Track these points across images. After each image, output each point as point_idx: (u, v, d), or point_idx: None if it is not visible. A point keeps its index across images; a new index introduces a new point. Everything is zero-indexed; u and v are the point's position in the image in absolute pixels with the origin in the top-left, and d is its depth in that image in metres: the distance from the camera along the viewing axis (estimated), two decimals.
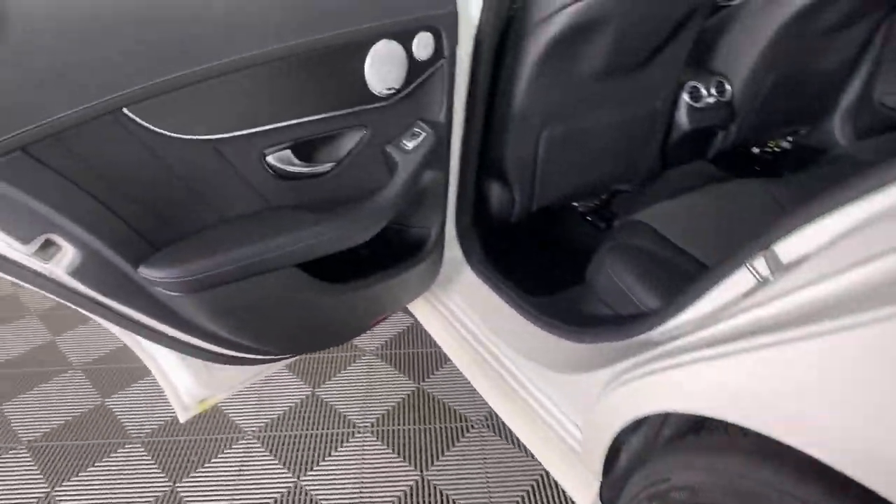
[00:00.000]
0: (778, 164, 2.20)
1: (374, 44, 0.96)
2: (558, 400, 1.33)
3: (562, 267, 1.72)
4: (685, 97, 1.70)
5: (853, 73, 2.03)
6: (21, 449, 1.66)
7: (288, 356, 1.28)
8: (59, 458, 1.63)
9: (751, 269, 0.77)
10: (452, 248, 1.48)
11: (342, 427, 1.68)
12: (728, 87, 1.76)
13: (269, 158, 0.95)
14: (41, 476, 1.58)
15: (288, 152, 0.98)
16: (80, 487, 1.54)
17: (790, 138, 2.22)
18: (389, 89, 1.02)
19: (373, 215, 1.06)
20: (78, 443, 1.67)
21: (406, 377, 1.84)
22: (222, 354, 1.08)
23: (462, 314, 1.53)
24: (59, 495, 1.52)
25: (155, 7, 0.72)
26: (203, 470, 1.56)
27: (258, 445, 1.63)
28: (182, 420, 1.23)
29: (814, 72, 1.87)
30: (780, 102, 1.87)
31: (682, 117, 1.71)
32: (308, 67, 0.89)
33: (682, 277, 1.17)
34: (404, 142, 1.12)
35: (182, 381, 1.15)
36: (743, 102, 1.80)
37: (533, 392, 1.39)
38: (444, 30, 1.06)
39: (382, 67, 0.99)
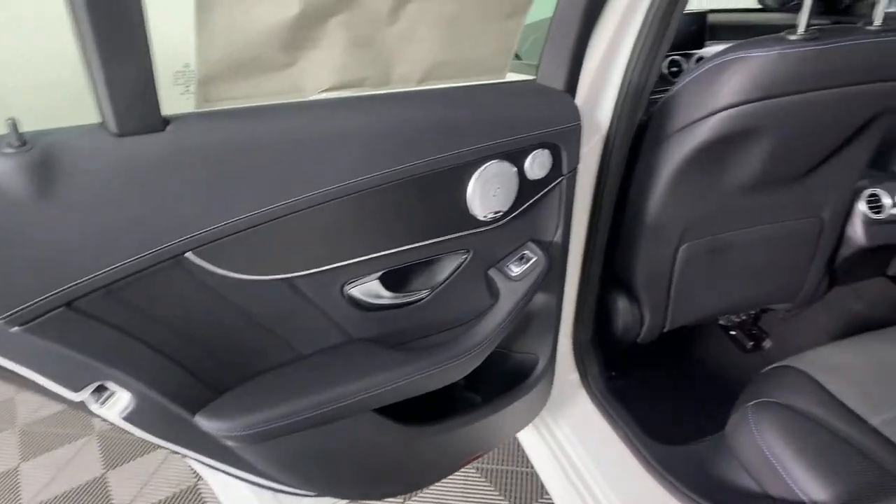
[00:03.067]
0: None
1: (481, 165, 0.85)
2: None
3: (696, 395, 1.47)
4: (862, 207, 1.42)
5: None
6: None
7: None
8: None
9: None
10: (567, 371, 1.30)
11: None
12: None
13: (353, 291, 0.86)
14: None
15: (375, 283, 0.87)
16: None
17: None
18: (496, 213, 0.89)
19: (470, 351, 0.92)
20: None
21: (507, 501, 1.64)
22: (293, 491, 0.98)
23: (570, 447, 1.33)
24: None
25: (229, 145, 0.65)
26: None
27: None
28: None
29: None
30: None
31: (857, 231, 1.42)
32: (401, 194, 0.79)
33: (861, 460, 0.91)
34: (510, 266, 0.98)
35: None
36: None
37: None
38: (565, 146, 0.93)
39: (488, 190, 0.87)
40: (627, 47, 1.00)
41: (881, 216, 1.42)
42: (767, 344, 1.63)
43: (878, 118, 1.13)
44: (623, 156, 1.10)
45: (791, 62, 0.97)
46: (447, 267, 0.95)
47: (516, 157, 0.88)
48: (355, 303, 0.86)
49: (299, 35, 0.74)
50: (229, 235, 0.67)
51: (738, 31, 2.02)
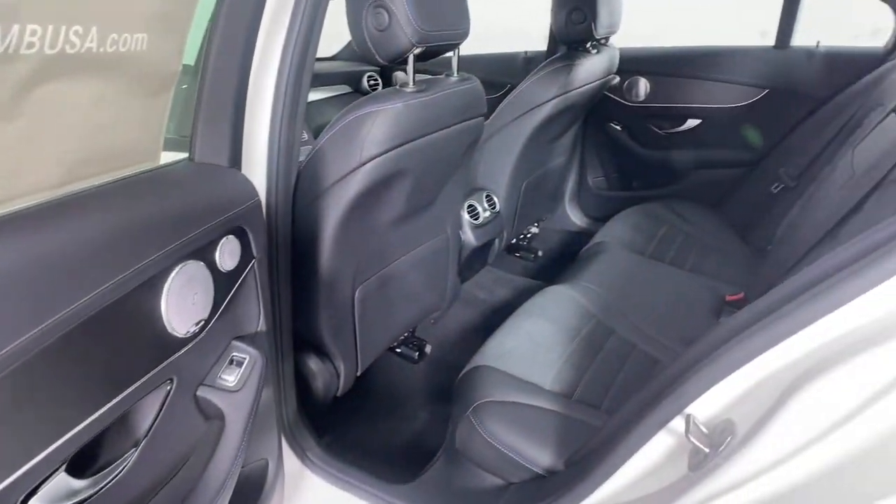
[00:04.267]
0: (532, 247, 2.40)
1: (169, 273, 0.70)
2: None
3: (401, 418, 1.55)
4: (466, 217, 1.72)
5: (570, 167, 2.38)
6: None
7: None
8: None
9: (693, 442, 0.71)
10: (286, 458, 1.20)
11: None
12: (495, 198, 1.84)
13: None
14: None
15: (62, 476, 0.63)
16: None
17: (537, 224, 2.45)
18: (198, 323, 0.76)
19: (217, 497, 0.76)
20: None
21: None
22: None
23: None
24: None
25: None
26: None
27: None
28: None
29: (548, 172, 2.11)
30: (531, 202, 2.05)
31: (469, 236, 1.73)
32: (74, 347, 0.59)
33: (560, 421, 1.11)
34: (223, 377, 0.84)
35: None
36: (508, 210, 1.91)
37: None
38: (250, 226, 0.85)
39: (186, 300, 0.73)
40: (267, 106, 0.96)
41: (479, 221, 1.76)
42: (429, 349, 1.82)
43: (470, 147, 1.38)
44: (288, 219, 1.07)
45: (414, 111, 1.10)
46: (150, 408, 0.75)
47: (204, 252, 0.76)
48: None
49: None
50: None
51: (316, 79, 2.20)
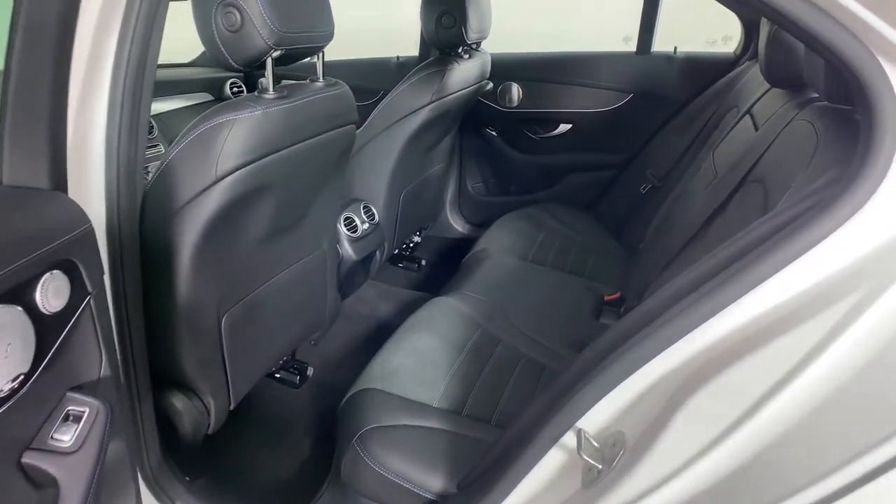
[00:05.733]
0: (416, 257, 2.36)
1: None
2: None
3: (285, 449, 1.44)
4: (344, 230, 1.64)
5: (450, 174, 2.37)
6: None
7: None
8: None
9: (585, 458, 0.69)
10: None
11: None
12: (374, 210, 1.78)
13: None
14: None
15: None
16: None
17: (419, 233, 2.41)
18: (15, 379, 0.63)
19: None
20: None
21: None
22: None
23: None
24: None
25: None
26: None
27: None
28: None
29: (427, 179, 2.08)
30: (411, 211, 2.01)
31: (348, 250, 1.64)
32: None
33: (450, 440, 1.06)
34: (56, 437, 0.71)
35: None
36: (388, 221, 1.85)
37: None
38: (81, 258, 0.72)
39: None
40: (102, 116, 0.82)
41: (358, 233, 1.68)
42: (311, 372, 1.71)
43: (342, 157, 1.30)
44: (135, 246, 0.94)
45: (276, 119, 1.01)
46: None
47: (19, 293, 0.63)
48: None
49: None
50: None
51: (173, 87, 2.03)
